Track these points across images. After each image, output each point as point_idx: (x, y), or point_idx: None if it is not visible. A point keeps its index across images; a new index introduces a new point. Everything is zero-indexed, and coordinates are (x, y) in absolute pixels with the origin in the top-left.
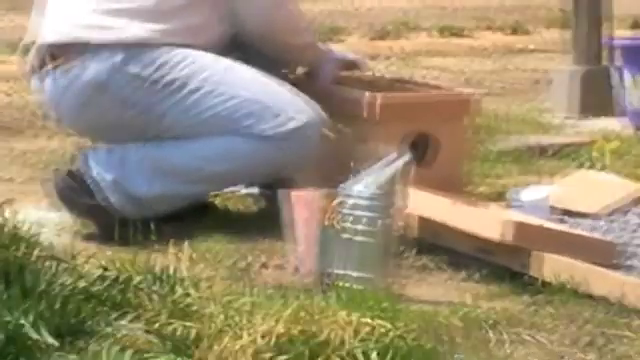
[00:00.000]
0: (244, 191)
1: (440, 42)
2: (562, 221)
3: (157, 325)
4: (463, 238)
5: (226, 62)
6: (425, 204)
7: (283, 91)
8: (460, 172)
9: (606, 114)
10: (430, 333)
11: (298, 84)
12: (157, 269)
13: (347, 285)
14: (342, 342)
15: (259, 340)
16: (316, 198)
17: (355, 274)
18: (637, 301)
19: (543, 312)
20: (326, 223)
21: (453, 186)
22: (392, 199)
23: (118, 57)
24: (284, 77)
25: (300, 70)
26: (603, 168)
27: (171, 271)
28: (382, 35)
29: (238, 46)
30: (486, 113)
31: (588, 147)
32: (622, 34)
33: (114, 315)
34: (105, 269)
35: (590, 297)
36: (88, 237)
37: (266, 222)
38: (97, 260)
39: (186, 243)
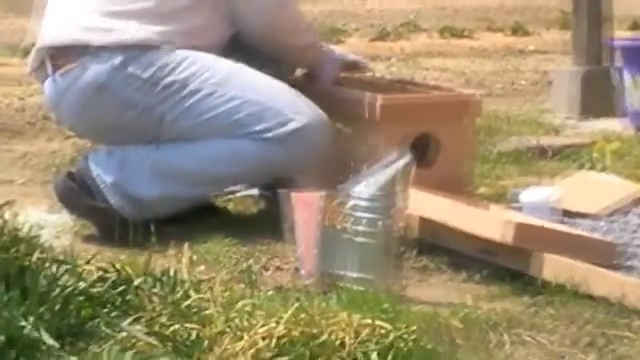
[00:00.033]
0: (244, 192)
1: (440, 43)
2: (562, 222)
3: (157, 327)
4: (464, 239)
5: (226, 64)
6: (426, 205)
7: (283, 92)
8: (461, 173)
9: (606, 115)
10: (430, 334)
11: (297, 85)
12: (157, 271)
13: (348, 286)
14: (342, 343)
15: (259, 342)
16: (316, 199)
17: (355, 275)
18: (637, 302)
19: (543, 313)
20: (326, 224)
21: (454, 187)
22: (392, 200)
23: (118, 59)
24: (284, 78)
25: (300, 71)
26: (603, 169)
27: (171, 273)
28: (382, 36)
29: (239, 47)
30: (486, 114)
31: (588, 148)
32: (622, 35)
33: (114, 317)
34: (105, 271)
35: (590, 298)
36: (88, 239)
37: (266, 223)
38: (97, 262)
39: (186, 245)
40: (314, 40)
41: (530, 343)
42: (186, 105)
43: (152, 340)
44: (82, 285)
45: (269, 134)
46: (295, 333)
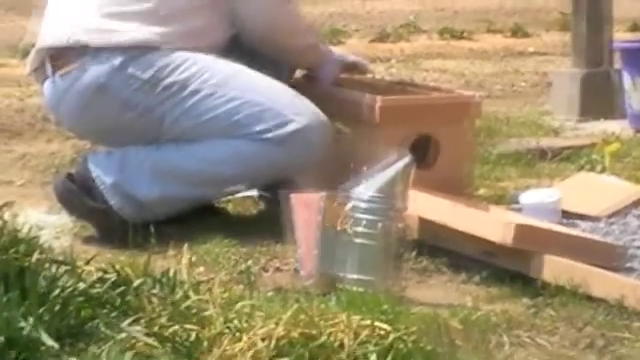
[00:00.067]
0: (243, 194)
1: (440, 44)
2: (561, 223)
3: (157, 328)
4: (464, 240)
5: (226, 65)
6: (425, 206)
7: (283, 93)
8: (460, 174)
9: (606, 116)
10: (430, 335)
11: (297, 86)
12: (157, 272)
13: (347, 287)
14: (342, 344)
15: (259, 343)
16: (316, 200)
17: (355, 276)
18: (637, 303)
19: (543, 314)
20: (326, 225)
21: (453, 188)
22: (392, 201)
23: (117, 60)
24: (284, 79)
25: (299, 72)
26: (603, 170)
27: (171, 274)
28: (382, 37)
29: (239, 48)
30: (486, 115)
31: (588, 150)
32: (621, 37)
33: (114, 317)
34: (105, 271)
35: (590, 299)
36: (88, 240)
37: (265, 224)
38: (97, 262)
39: (186, 246)
40: (314, 41)
41: (529, 344)
42: (186, 106)
43: (151, 341)
44: (82, 286)
45: (269, 135)
46: (294, 334)
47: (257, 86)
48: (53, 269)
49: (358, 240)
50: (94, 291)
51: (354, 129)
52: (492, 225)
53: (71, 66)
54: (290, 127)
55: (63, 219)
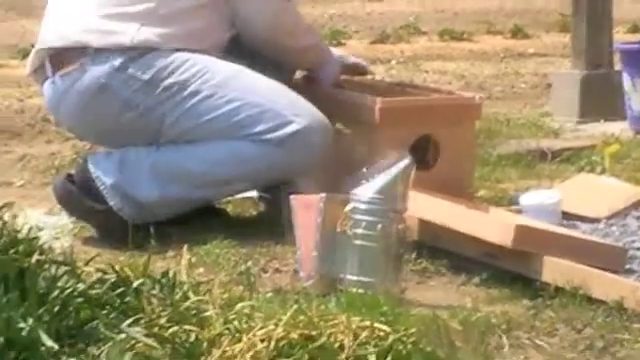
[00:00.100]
0: (243, 195)
1: (440, 46)
2: (561, 224)
3: (156, 328)
4: (464, 241)
5: (226, 66)
6: (425, 207)
7: (283, 94)
8: (460, 175)
9: (606, 118)
10: (430, 336)
11: (298, 88)
12: (157, 272)
13: (347, 288)
14: (341, 346)
15: (258, 344)
16: (316, 201)
17: (355, 278)
18: (636, 305)
19: (542, 316)
20: (326, 227)
21: (453, 189)
22: (392, 203)
23: (118, 60)
24: (285, 80)
25: (300, 73)
26: (603, 172)
27: (170, 274)
28: (382, 39)
29: (239, 49)
30: (486, 117)
31: (588, 151)
32: (621, 38)
33: (113, 318)
34: (104, 272)
35: (589, 300)
36: (88, 240)
37: (265, 225)
38: (96, 263)
39: (185, 247)
40: (314, 42)
41: (529, 346)
42: (186, 107)
43: (151, 342)
44: (81, 287)
45: (269, 136)
46: (294, 335)
47: (257, 87)
48: (53, 270)
49: (358, 241)
50: (94, 292)
51: (354, 130)
52: (492, 226)
53: (71, 67)
54: (290, 128)
55: (63, 220)
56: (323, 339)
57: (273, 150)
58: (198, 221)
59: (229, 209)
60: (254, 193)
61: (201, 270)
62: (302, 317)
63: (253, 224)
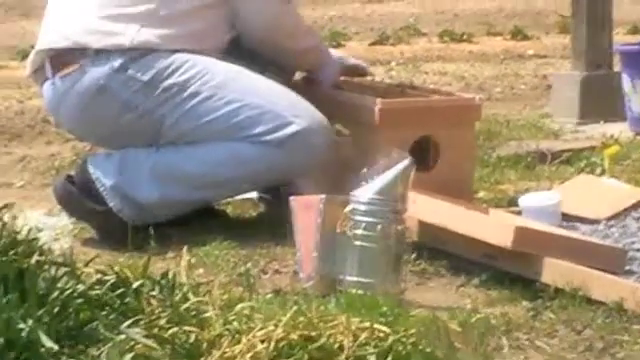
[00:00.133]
0: (243, 196)
1: (440, 47)
2: (561, 226)
3: (156, 329)
4: (464, 243)
5: (226, 67)
6: (425, 208)
7: (283, 96)
8: (460, 177)
9: (605, 119)
10: (429, 338)
11: (297, 89)
12: (156, 273)
13: (346, 289)
14: (341, 347)
15: (258, 345)
16: (315, 202)
17: (354, 278)
18: (636, 306)
19: (542, 317)
20: (326, 227)
21: (453, 190)
22: (392, 204)
23: (117, 61)
24: (285, 81)
25: (299, 75)
26: (602, 173)
27: (170, 275)
28: (382, 40)
29: (239, 50)
30: (485, 118)
31: (587, 152)
32: (621, 39)
33: (113, 319)
34: (104, 273)
35: (589, 302)
36: (87, 241)
37: (265, 227)
38: (96, 264)
39: (185, 248)
40: (314, 43)
41: (528, 347)
42: (186, 108)
43: (151, 343)
44: (81, 288)
45: (268, 137)
46: (293, 336)
47: (257, 88)
48: (52, 271)
49: (357, 242)
50: (93, 293)
51: (354, 131)
52: (492, 228)
53: (71, 68)
54: (290, 129)
55: (63, 221)
56: (323, 340)
57: (273, 151)
58: (198, 222)
59: (229, 210)
60: (254, 194)
61: (201, 271)
62: (302, 318)
63: (253, 225)
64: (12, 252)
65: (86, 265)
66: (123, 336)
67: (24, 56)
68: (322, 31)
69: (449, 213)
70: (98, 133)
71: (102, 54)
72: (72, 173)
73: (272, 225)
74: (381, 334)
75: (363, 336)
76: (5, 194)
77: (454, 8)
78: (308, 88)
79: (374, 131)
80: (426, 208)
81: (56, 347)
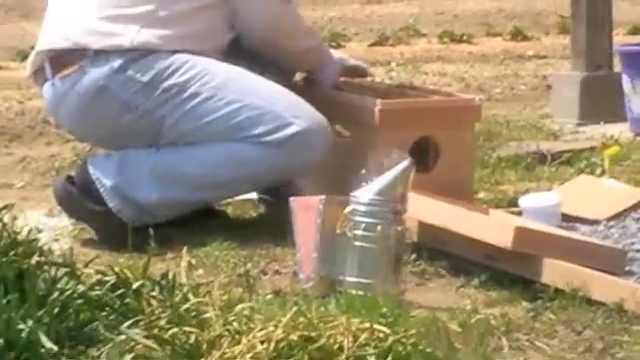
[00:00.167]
0: (243, 196)
1: (439, 48)
2: (561, 226)
3: (156, 330)
4: (464, 243)
5: (226, 67)
6: (425, 209)
7: (283, 96)
8: (460, 177)
9: (605, 120)
10: (429, 338)
11: (297, 89)
12: (156, 274)
13: (346, 290)
14: (341, 347)
15: (258, 345)
16: (315, 203)
17: (354, 279)
18: (636, 306)
19: (542, 318)
20: (326, 228)
21: (453, 191)
22: (392, 204)
23: (117, 62)
24: (285, 82)
25: (299, 76)
26: (602, 174)
27: (170, 276)
28: (381, 41)
29: (239, 51)
30: (485, 119)
31: (587, 153)
32: (621, 40)
33: (113, 320)
34: (104, 274)
35: (589, 302)
36: (87, 242)
37: (265, 227)
38: (96, 265)
39: (185, 248)
40: (315, 44)
41: (528, 348)
42: (186, 108)
43: (151, 343)
44: (81, 288)
45: (268, 138)
46: (293, 337)
47: (257, 89)
48: (52, 271)
49: (357, 243)
50: (93, 293)
51: (354, 132)
52: (492, 228)
53: (70, 69)
54: (290, 130)
55: (62, 222)
56: (323, 341)
57: (273, 152)
58: (198, 223)
59: (229, 211)
60: (254, 195)
61: (201, 272)
62: (302, 319)
63: (253, 226)
64: (12, 253)
65: (86, 266)
66: (123, 337)
67: (24, 57)
68: (322, 32)
69: (449, 214)
70: (98, 134)
71: (102, 55)
72: (72, 174)
73: (272, 226)
74: (381, 335)
75: (363, 337)
76: (5, 195)
77: (454, 9)
78: (308, 89)
79: (374, 132)
80: (426, 209)
81: (56, 348)
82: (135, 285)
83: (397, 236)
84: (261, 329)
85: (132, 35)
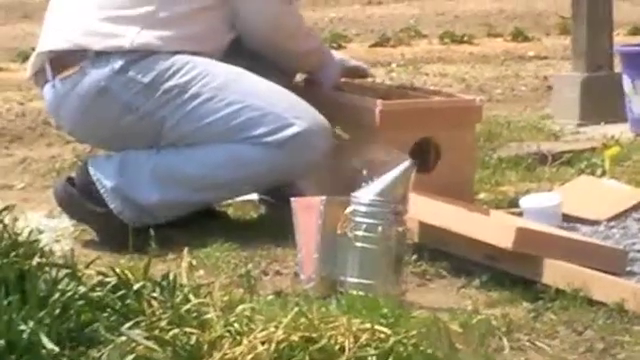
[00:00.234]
0: (244, 197)
1: (440, 48)
2: (562, 227)
3: (157, 331)
4: (464, 244)
5: (227, 68)
6: (426, 210)
7: (284, 97)
8: (461, 178)
9: (606, 120)
10: (430, 339)
11: (298, 90)
12: (157, 275)
13: (347, 291)
14: (342, 348)
15: (259, 346)
16: (316, 204)
17: (355, 280)
18: (637, 307)
19: (543, 318)
20: (327, 229)
21: (454, 192)
22: (393, 205)
23: (118, 63)
24: (286, 83)
25: (300, 76)
26: (603, 174)
27: (171, 277)
28: (382, 42)
29: (240, 51)
30: (486, 119)
31: (588, 153)
32: (621, 40)
33: (114, 321)
34: (105, 275)
35: (590, 303)
36: (88, 243)
37: (266, 228)
38: (97, 266)
39: (186, 249)
40: (316, 45)
41: (529, 348)
42: (186, 109)
43: (152, 344)
44: (82, 289)
45: (269, 138)
46: (294, 338)
47: (257, 90)
48: (53, 273)
49: (358, 244)
50: (94, 295)
51: (354, 133)
52: (492, 229)
53: (71, 70)
54: (290, 130)
55: (63, 223)
56: (324, 341)
57: (273, 152)
58: (198, 224)
59: (230, 212)
60: (255, 196)
61: (201, 273)
62: (303, 319)
63: (254, 227)
64: (13, 254)
65: (87, 267)
66: (124, 338)
67: (25, 58)
68: (322, 33)
69: (450, 214)
70: (99, 135)
71: (102, 56)
72: (73, 175)
73: (273, 227)
74: (382, 335)
75: (364, 337)
76: (6, 196)
77: (454, 9)
78: (309, 90)
79: (375, 133)
80: (427, 209)
81: (57, 349)
82: (136, 286)
83: (398, 237)
84: (262, 330)
85: (132, 36)
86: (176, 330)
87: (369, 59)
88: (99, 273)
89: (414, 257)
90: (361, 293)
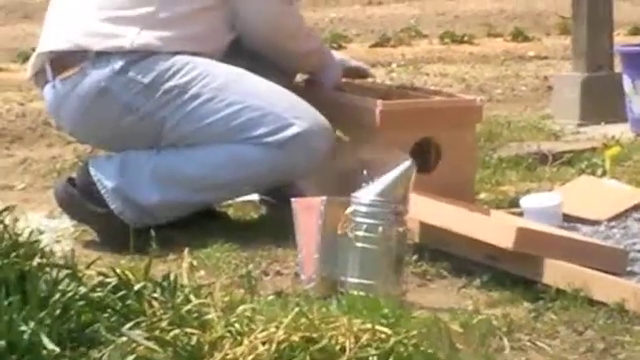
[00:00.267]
0: (244, 198)
1: (440, 49)
2: (562, 227)
3: (158, 331)
4: (465, 244)
5: (227, 69)
6: (426, 210)
7: (284, 97)
8: (461, 178)
9: (606, 120)
10: (431, 339)
11: (299, 91)
12: (158, 276)
13: (348, 291)
14: (343, 348)
15: (259, 346)
16: (317, 204)
17: (356, 280)
18: (637, 307)
19: (543, 318)
20: (327, 229)
21: (454, 192)
22: (393, 205)
23: (118, 64)
24: (286, 83)
25: (300, 77)
26: (603, 174)
27: (172, 278)
28: (382, 42)
29: (240, 52)
30: (486, 119)
31: (588, 153)
32: (622, 40)
33: (115, 321)
34: (106, 275)
35: (590, 303)
36: (89, 244)
37: (266, 228)
38: (98, 267)
39: (186, 250)
40: (316, 46)
41: (530, 348)
42: (187, 110)
43: (152, 345)
44: (82, 290)
45: (269, 139)
46: (295, 338)
47: (258, 90)
48: (54, 273)
49: (359, 244)
50: (95, 295)
51: (355, 133)
52: (493, 229)
53: (71, 70)
54: (291, 131)
55: (64, 223)
56: (324, 342)
57: (274, 153)
58: (199, 224)
59: (230, 212)
60: (255, 196)
61: (202, 273)
62: (303, 320)
63: (254, 227)
64: (13, 255)
65: (87, 267)
66: (125, 338)
67: (25, 59)
68: (323, 33)
69: (450, 214)
70: (99, 135)
71: (103, 56)
72: (73, 175)
73: (273, 227)
74: (383, 335)
75: (365, 338)
76: (6, 197)
77: (455, 10)
78: (309, 90)
79: (375, 133)
80: (427, 210)
81: (58, 349)
82: (137, 287)
83: (398, 237)
84: (263, 330)
85: (133, 37)
86: (177, 330)
87: (369, 59)
88: (100, 274)
89: (415, 257)
90: (362, 293)
